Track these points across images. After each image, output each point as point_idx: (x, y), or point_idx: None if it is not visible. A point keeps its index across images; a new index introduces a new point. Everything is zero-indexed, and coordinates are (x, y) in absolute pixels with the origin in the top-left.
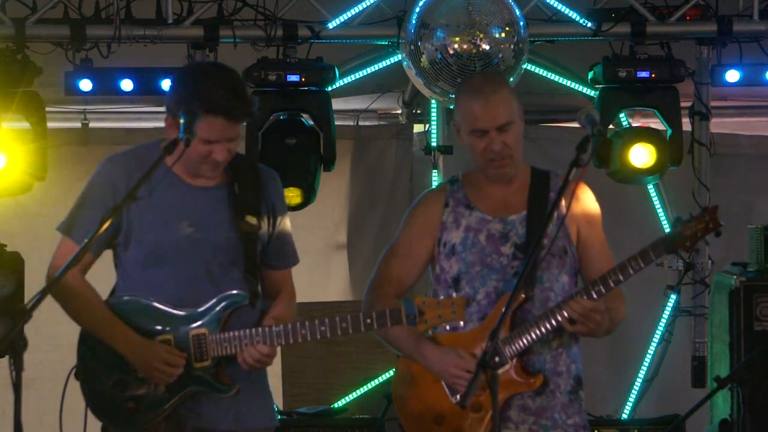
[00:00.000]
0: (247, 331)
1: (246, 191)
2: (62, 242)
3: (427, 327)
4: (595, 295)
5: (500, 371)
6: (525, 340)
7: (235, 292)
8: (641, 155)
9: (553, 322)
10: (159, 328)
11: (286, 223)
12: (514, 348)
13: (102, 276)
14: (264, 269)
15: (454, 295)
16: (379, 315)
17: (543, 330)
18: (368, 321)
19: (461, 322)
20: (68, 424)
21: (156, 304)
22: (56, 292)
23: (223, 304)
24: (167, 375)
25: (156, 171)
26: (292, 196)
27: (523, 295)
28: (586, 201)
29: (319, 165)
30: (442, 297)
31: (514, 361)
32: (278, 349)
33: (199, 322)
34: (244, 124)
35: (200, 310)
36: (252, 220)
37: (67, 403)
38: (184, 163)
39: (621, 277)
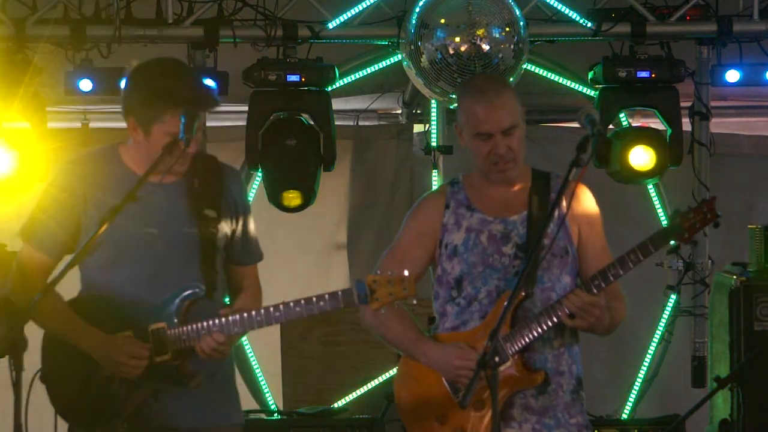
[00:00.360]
0: (205, 323)
1: (206, 186)
2: (23, 247)
3: (379, 305)
4: (594, 290)
5: (502, 368)
6: (526, 338)
7: (191, 285)
8: (641, 157)
9: (554, 318)
10: (119, 325)
11: (249, 220)
12: (515, 345)
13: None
14: (230, 266)
15: (455, 296)
16: (332, 296)
17: (544, 326)
18: (321, 303)
19: (414, 300)
20: (45, 427)
21: (116, 302)
22: (20, 299)
23: (180, 297)
24: (132, 368)
25: (116, 171)
26: (292, 197)
27: (523, 293)
28: (586, 202)
29: (319, 165)
30: (441, 299)
31: (516, 358)
32: (278, 349)
33: (158, 317)
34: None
35: (158, 304)
36: (211, 213)
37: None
38: (148, 160)
39: (620, 271)
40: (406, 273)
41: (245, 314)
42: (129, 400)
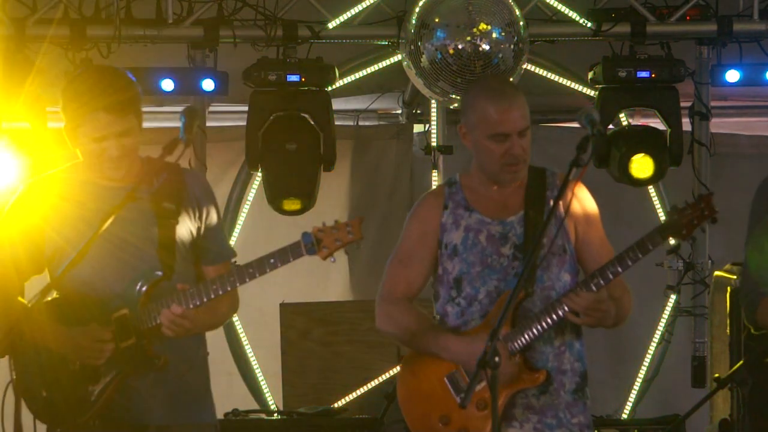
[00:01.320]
0: (164, 300)
1: (165, 184)
2: None
3: (328, 253)
4: (594, 288)
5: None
6: (527, 336)
7: (149, 269)
8: (641, 167)
9: (554, 316)
10: (83, 320)
11: (213, 216)
12: (516, 344)
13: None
14: (202, 266)
15: (455, 296)
16: (281, 252)
17: (545, 324)
18: (272, 260)
19: (360, 242)
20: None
21: (78, 300)
22: None
23: (139, 282)
24: (99, 352)
25: (75, 182)
26: (292, 203)
27: (523, 293)
28: (583, 199)
29: (319, 166)
30: (441, 299)
31: (517, 357)
32: (278, 349)
33: (119, 305)
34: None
35: (119, 293)
36: (169, 206)
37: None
38: (91, 168)
39: (619, 269)
40: (353, 218)
41: (201, 285)
42: (99, 392)
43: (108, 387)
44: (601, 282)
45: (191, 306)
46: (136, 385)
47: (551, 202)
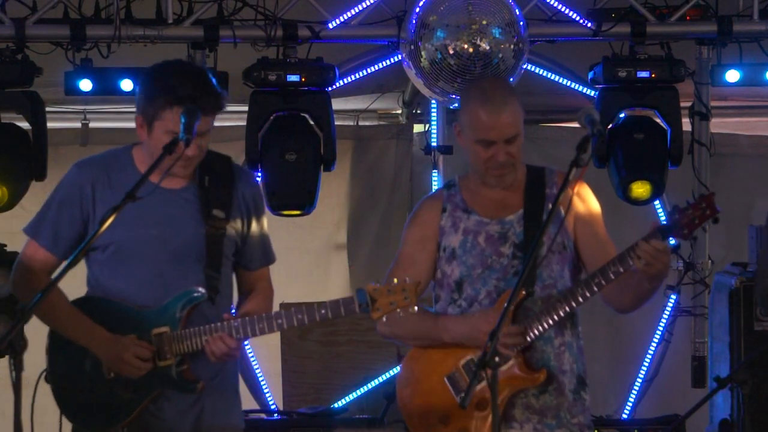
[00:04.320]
0: (207, 326)
1: (217, 186)
2: (29, 244)
3: (380, 314)
4: (595, 288)
5: (504, 368)
6: (536, 330)
7: (193, 289)
8: (640, 191)
9: (555, 315)
10: (122, 327)
11: (263, 223)
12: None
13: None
14: (239, 268)
15: (457, 299)
16: (333, 304)
17: (546, 324)
18: (323, 311)
19: (415, 307)
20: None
21: (120, 304)
22: (22, 293)
23: (182, 301)
24: (136, 368)
25: (125, 172)
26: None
27: (523, 292)
28: (585, 196)
29: (319, 168)
30: (442, 301)
31: (518, 357)
32: (278, 349)
33: (160, 321)
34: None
35: (160, 308)
36: (219, 214)
37: (45, 406)
38: (151, 159)
39: (620, 268)
40: (407, 280)
41: (248, 320)
42: (131, 404)
43: (140, 403)
44: (603, 282)
45: (235, 337)
46: (168, 394)
47: (549, 200)
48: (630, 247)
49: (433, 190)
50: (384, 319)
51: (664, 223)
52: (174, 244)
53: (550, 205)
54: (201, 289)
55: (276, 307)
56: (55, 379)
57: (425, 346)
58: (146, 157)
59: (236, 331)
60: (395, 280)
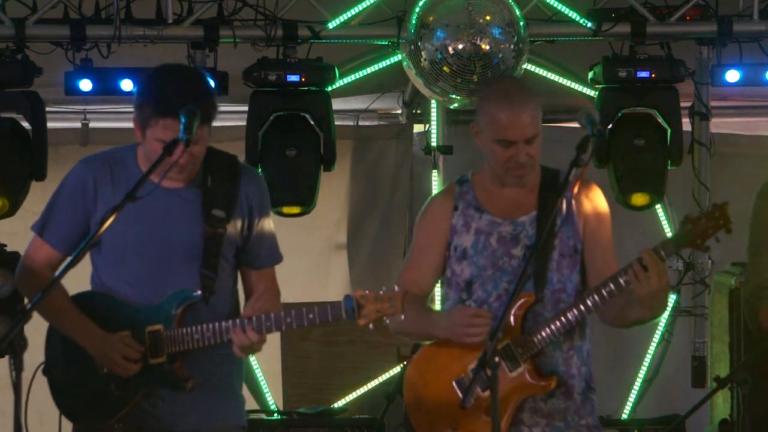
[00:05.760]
0: (200, 327)
1: (219, 186)
2: (34, 240)
3: (367, 321)
4: (606, 295)
5: (514, 374)
6: (538, 341)
7: (189, 288)
8: (639, 201)
9: (565, 320)
10: (118, 323)
11: (267, 223)
12: (527, 350)
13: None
14: (243, 268)
15: (466, 299)
16: (321, 310)
17: (556, 329)
18: (311, 316)
19: (402, 316)
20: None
21: (117, 300)
22: (25, 289)
23: (177, 300)
24: (126, 369)
25: (127, 170)
26: (292, 208)
27: (532, 298)
28: (595, 199)
29: (319, 167)
30: (451, 300)
31: (528, 364)
32: (278, 349)
33: (154, 319)
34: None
35: (155, 306)
36: (219, 214)
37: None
38: (148, 162)
39: (616, 291)
40: (396, 289)
41: (238, 321)
42: (124, 400)
43: (132, 399)
44: (614, 290)
45: (225, 340)
46: (162, 393)
47: (563, 203)
48: (626, 266)
49: (434, 190)
50: (371, 326)
51: (677, 232)
52: (171, 243)
53: (564, 207)
54: (197, 290)
55: None
56: (52, 371)
57: (426, 339)
58: (145, 159)
59: (225, 333)
60: (383, 289)
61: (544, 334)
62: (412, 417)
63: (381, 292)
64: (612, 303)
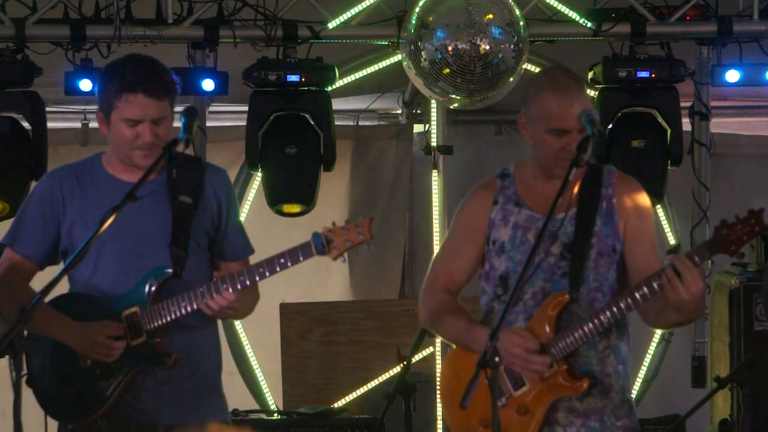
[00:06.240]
0: (174, 297)
1: (185, 177)
2: (5, 252)
3: (338, 253)
4: (640, 299)
5: (547, 374)
6: (571, 341)
7: (158, 266)
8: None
9: (599, 321)
10: (96, 316)
11: (236, 214)
12: (560, 348)
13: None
14: (217, 261)
15: (501, 294)
16: (291, 252)
17: (590, 330)
18: (282, 260)
19: (371, 244)
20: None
21: (90, 296)
22: (2, 301)
23: (149, 280)
24: (110, 349)
25: (94, 176)
26: (292, 207)
27: (566, 298)
28: (637, 197)
29: (319, 167)
30: (487, 295)
31: (561, 364)
32: (278, 349)
33: (129, 303)
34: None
35: (128, 291)
36: (186, 199)
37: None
38: (117, 156)
39: (649, 295)
40: (361, 218)
41: (211, 283)
42: (110, 390)
43: (119, 385)
44: (647, 293)
45: (201, 305)
46: (146, 384)
47: (604, 200)
48: (659, 270)
49: (434, 190)
50: (342, 259)
51: (712, 237)
52: (142, 231)
53: (605, 205)
54: (168, 266)
55: (276, 308)
56: (36, 381)
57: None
58: (114, 158)
59: (201, 296)
60: (348, 220)
61: (576, 335)
62: (446, 413)
63: (346, 222)
64: (650, 305)
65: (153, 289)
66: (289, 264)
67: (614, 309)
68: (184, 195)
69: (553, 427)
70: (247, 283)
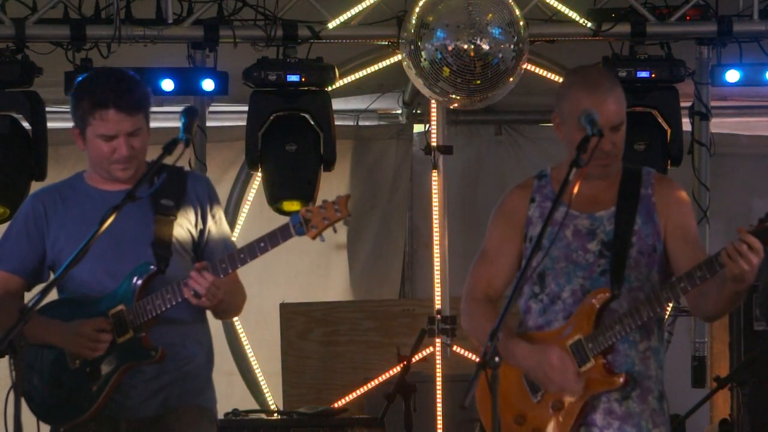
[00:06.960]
0: (159, 292)
1: (167, 183)
2: None
3: (316, 232)
4: (680, 293)
5: (582, 369)
6: (609, 337)
7: (142, 264)
8: None
9: (638, 319)
10: (82, 317)
11: (220, 219)
12: (598, 343)
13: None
14: None
15: (538, 293)
16: (270, 235)
17: (628, 326)
18: (262, 244)
19: (348, 220)
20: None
21: (75, 299)
22: None
23: (132, 277)
24: (95, 342)
25: (76, 188)
26: (292, 205)
27: (608, 294)
28: (677, 197)
29: (319, 167)
30: (525, 295)
31: (597, 360)
32: (278, 349)
33: (115, 301)
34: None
35: (113, 291)
36: (168, 203)
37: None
38: (96, 171)
39: (707, 274)
40: (338, 196)
41: (193, 272)
42: (99, 390)
43: (107, 384)
44: (688, 287)
45: (181, 299)
46: (134, 381)
47: (644, 199)
48: (717, 252)
49: (434, 190)
50: (321, 238)
51: (753, 229)
52: (124, 233)
53: (645, 204)
54: (149, 262)
55: (276, 308)
56: (24, 387)
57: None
58: (93, 171)
59: (184, 286)
60: (325, 200)
61: (616, 329)
62: (481, 410)
63: (324, 201)
64: (709, 286)
65: (138, 284)
66: (270, 247)
67: (654, 304)
68: (166, 199)
69: (590, 428)
70: (230, 270)
